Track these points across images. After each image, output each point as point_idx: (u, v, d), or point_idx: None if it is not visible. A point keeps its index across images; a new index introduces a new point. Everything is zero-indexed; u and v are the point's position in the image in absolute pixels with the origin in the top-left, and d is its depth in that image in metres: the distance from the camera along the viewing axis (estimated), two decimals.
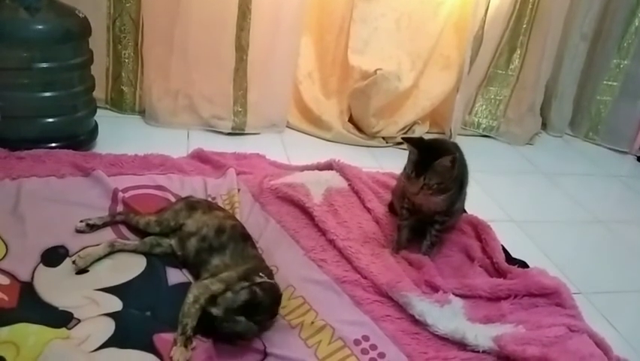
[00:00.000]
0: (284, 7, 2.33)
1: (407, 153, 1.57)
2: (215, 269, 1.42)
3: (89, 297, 1.35)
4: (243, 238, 1.54)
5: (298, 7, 2.36)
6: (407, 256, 1.68)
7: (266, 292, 1.33)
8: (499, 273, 1.68)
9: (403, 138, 1.66)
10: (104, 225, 1.60)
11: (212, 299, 1.30)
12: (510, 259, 1.74)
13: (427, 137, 2.62)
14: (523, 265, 1.74)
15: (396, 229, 1.75)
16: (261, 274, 1.39)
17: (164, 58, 2.33)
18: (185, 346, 1.22)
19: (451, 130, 2.66)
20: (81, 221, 1.57)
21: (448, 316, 1.44)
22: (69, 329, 1.25)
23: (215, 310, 1.26)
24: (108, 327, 1.26)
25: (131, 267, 1.48)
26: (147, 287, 1.42)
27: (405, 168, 1.58)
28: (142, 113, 2.44)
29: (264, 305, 1.31)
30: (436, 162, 1.49)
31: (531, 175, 2.63)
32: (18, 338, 1.18)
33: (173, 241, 1.54)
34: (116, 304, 1.34)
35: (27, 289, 1.35)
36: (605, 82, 2.98)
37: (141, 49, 2.36)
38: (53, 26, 1.88)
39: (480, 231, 1.82)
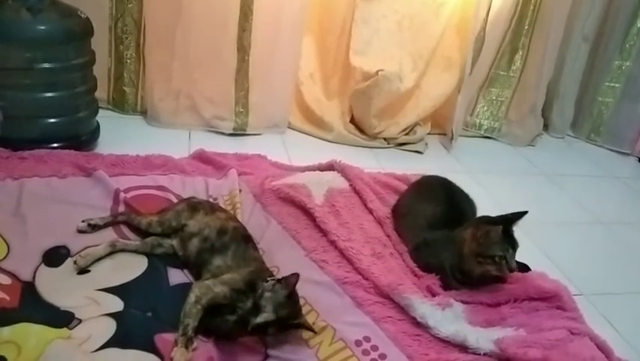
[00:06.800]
0: (285, 8, 2.33)
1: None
2: (217, 270, 1.43)
3: (90, 297, 1.35)
4: (244, 239, 1.54)
5: (300, 8, 2.37)
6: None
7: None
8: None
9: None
10: (106, 225, 1.60)
11: (233, 311, 1.29)
12: None
13: (428, 139, 2.65)
14: (525, 268, 1.73)
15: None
16: (268, 279, 1.38)
17: (165, 58, 2.33)
18: (186, 347, 1.22)
19: (452, 131, 2.65)
20: (83, 221, 1.57)
21: (449, 319, 1.44)
22: (70, 329, 1.25)
23: (260, 319, 1.25)
24: (109, 327, 1.26)
25: (132, 267, 1.48)
26: (148, 288, 1.42)
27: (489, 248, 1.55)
28: (144, 113, 2.44)
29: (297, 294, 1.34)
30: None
31: (532, 176, 2.63)
32: (19, 338, 1.18)
33: (174, 242, 1.55)
34: (117, 304, 1.34)
35: (28, 289, 1.35)
36: (606, 83, 2.98)
37: (143, 49, 2.36)
38: (55, 27, 1.88)
39: None
